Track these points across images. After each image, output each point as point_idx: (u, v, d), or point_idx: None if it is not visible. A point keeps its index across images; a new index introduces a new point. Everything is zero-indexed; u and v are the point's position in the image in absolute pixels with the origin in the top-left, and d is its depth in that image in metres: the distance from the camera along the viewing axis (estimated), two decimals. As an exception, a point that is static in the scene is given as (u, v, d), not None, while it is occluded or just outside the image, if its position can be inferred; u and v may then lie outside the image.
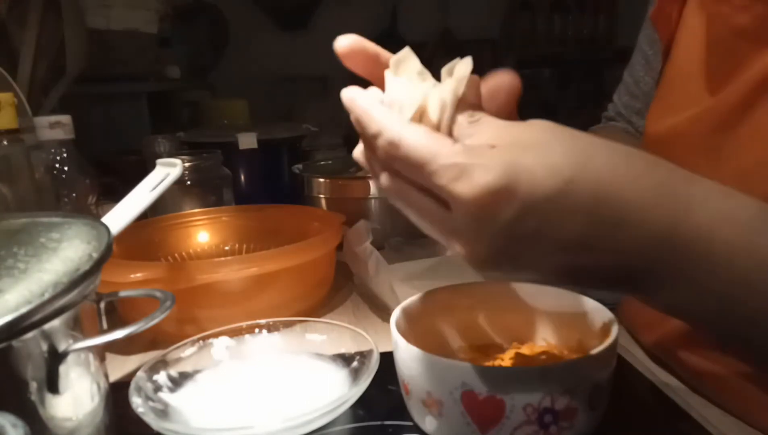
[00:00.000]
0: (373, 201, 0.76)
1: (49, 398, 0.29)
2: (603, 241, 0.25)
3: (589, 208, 0.25)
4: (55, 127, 0.62)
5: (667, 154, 0.39)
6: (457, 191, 0.24)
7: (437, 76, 0.40)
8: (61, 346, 0.30)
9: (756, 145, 0.37)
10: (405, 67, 0.31)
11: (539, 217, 0.24)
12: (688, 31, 0.44)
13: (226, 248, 0.71)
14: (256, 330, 0.46)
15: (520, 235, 0.25)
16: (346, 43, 0.30)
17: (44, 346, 0.29)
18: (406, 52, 0.31)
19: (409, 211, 0.28)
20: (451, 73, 0.30)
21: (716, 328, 0.29)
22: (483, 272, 0.28)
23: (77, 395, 0.32)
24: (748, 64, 0.37)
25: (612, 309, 0.38)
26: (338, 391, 0.39)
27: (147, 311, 0.34)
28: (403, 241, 0.74)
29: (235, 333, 0.45)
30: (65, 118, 0.63)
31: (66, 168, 0.64)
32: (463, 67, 0.29)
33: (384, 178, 0.28)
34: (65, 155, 0.64)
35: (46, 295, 0.28)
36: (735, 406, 0.40)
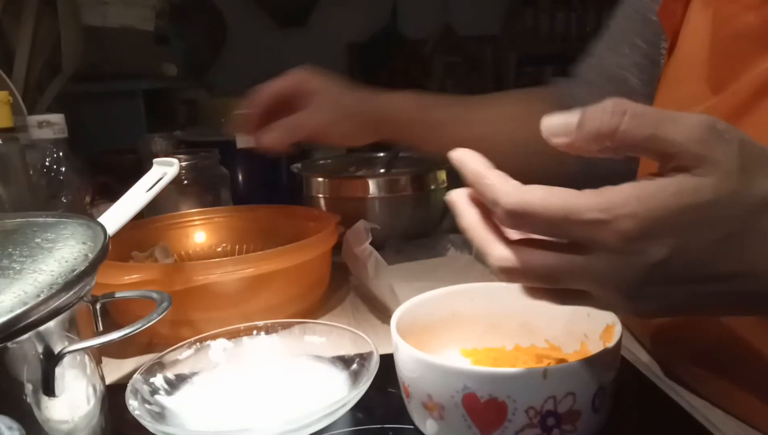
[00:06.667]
0: (372, 200, 0.76)
1: (45, 401, 0.29)
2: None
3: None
4: (43, 127, 0.61)
5: None
6: (604, 233, 0.25)
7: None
8: (57, 348, 0.30)
9: None
10: None
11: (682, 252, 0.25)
12: (693, 28, 0.43)
13: (219, 250, 0.70)
14: (254, 332, 0.45)
15: (672, 270, 0.25)
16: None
17: (40, 348, 0.29)
18: None
19: (535, 277, 0.28)
20: None
21: None
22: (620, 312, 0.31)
23: (73, 397, 0.31)
24: (752, 66, 0.36)
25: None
26: (337, 393, 0.39)
27: (141, 314, 0.34)
28: (403, 241, 0.74)
29: (232, 335, 0.45)
30: (54, 118, 0.62)
31: (61, 167, 0.64)
32: None
33: (500, 250, 0.28)
34: (60, 154, 0.64)
35: (42, 296, 0.28)
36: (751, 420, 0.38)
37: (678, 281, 0.26)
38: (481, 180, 0.27)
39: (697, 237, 0.25)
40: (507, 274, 0.28)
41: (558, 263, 0.27)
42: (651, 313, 0.29)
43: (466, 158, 0.29)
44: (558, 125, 0.26)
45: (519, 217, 0.26)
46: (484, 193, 0.27)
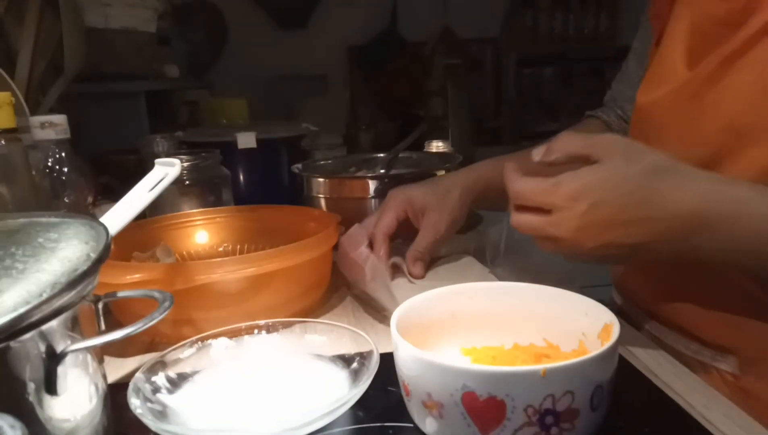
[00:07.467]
0: (372, 201, 0.76)
1: (48, 399, 0.29)
2: (655, 209, 0.41)
3: (634, 188, 0.41)
4: (46, 127, 0.62)
5: (651, 120, 0.55)
6: (554, 198, 0.43)
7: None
8: (59, 347, 0.30)
9: (717, 111, 0.47)
10: None
11: (602, 199, 0.41)
12: (675, 22, 0.54)
13: (220, 250, 0.70)
14: (255, 331, 0.46)
15: (595, 218, 0.41)
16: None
17: (42, 347, 0.29)
18: None
19: (528, 230, 0.45)
20: None
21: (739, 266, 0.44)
22: (576, 254, 0.44)
23: (75, 396, 0.32)
24: (721, 45, 0.46)
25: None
26: (338, 392, 0.39)
27: (141, 314, 0.34)
28: (402, 242, 0.74)
29: (234, 334, 0.45)
30: (57, 118, 0.62)
31: (64, 168, 0.64)
32: None
33: (513, 213, 0.46)
34: (62, 155, 0.64)
35: (44, 296, 0.28)
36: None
37: (604, 226, 0.41)
38: (505, 174, 0.46)
39: (605, 195, 0.41)
40: (516, 227, 0.46)
41: (536, 220, 0.44)
42: (596, 254, 0.43)
43: (506, 166, 0.47)
44: (539, 151, 0.46)
45: (514, 196, 0.45)
46: (506, 184, 0.46)
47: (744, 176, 0.44)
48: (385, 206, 0.64)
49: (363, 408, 0.39)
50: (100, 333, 0.35)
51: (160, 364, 0.41)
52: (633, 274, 0.61)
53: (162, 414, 0.37)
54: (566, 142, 0.44)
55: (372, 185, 0.76)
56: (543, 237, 0.44)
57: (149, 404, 0.37)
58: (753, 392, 0.49)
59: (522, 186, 0.45)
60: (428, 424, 0.35)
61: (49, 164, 0.64)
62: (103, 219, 0.44)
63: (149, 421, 0.34)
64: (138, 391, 0.37)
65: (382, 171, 0.81)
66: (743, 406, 0.40)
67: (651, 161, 0.42)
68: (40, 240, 0.33)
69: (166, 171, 0.49)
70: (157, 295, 0.36)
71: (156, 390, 0.39)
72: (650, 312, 0.59)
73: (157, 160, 0.51)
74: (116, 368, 0.49)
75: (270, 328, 0.46)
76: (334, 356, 0.43)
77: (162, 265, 0.57)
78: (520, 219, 0.46)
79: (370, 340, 0.40)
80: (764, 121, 0.43)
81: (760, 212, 0.40)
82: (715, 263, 0.43)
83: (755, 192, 0.41)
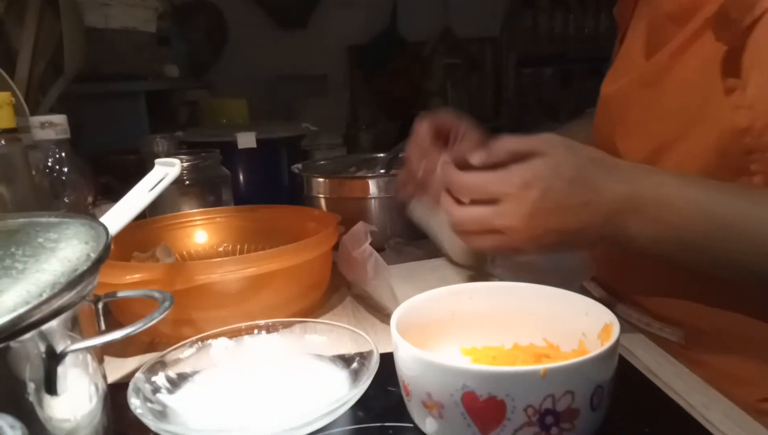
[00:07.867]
0: (372, 201, 0.76)
1: (47, 399, 0.29)
2: (593, 195, 0.43)
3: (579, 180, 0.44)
4: (46, 127, 0.62)
5: (614, 107, 0.59)
6: (506, 186, 0.43)
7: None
8: (59, 347, 0.30)
9: (670, 97, 0.51)
10: None
11: (551, 191, 0.43)
12: (637, 20, 0.59)
13: (220, 250, 0.71)
14: (255, 331, 0.46)
15: (545, 205, 0.43)
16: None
17: (42, 347, 0.29)
18: None
19: (472, 223, 0.45)
20: None
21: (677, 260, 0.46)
22: (519, 244, 0.45)
23: (75, 396, 0.32)
24: (672, 38, 0.51)
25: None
26: (338, 392, 0.39)
27: (141, 314, 0.34)
28: (402, 242, 0.74)
29: (234, 334, 0.45)
30: (57, 118, 0.62)
31: (64, 168, 0.64)
32: None
33: (453, 209, 0.46)
34: (62, 155, 0.64)
35: (44, 296, 0.28)
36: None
37: (551, 211, 0.43)
38: (442, 170, 0.48)
39: (553, 182, 0.43)
40: (457, 222, 0.46)
41: (481, 211, 0.44)
42: (542, 241, 0.44)
43: (441, 164, 0.50)
44: (479, 154, 0.46)
45: (458, 189, 0.46)
46: (446, 179, 0.47)
47: (698, 151, 0.48)
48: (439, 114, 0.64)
49: (363, 408, 0.39)
50: (100, 333, 0.35)
51: (160, 364, 0.41)
52: None
53: (162, 414, 0.37)
54: (507, 142, 0.45)
55: (372, 185, 0.76)
56: (488, 230, 0.44)
57: (149, 404, 0.37)
58: (700, 360, 0.50)
59: (468, 178, 0.44)
60: (428, 424, 0.35)
61: (49, 164, 0.64)
62: (103, 219, 0.44)
63: (149, 421, 0.34)
64: (138, 391, 0.37)
65: (382, 171, 0.81)
66: (692, 371, 0.44)
67: (590, 153, 0.45)
68: (40, 240, 0.33)
69: (166, 171, 0.49)
70: (157, 295, 0.36)
71: (156, 390, 0.39)
72: (602, 283, 0.62)
73: (157, 160, 0.51)
74: (116, 368, 0.49)
75: (270, 328, 0.46)
76: (334, 356, 0.43)
77: (162, 265, 0.57)
78: (462, 213, 0.45)
79: (370, 340, 0.40)
80: (707, 103, 0.47)
81: (692, 200, 0.43)
82: (651, 253, 0.45)
83: (690, 182, 0.44)
